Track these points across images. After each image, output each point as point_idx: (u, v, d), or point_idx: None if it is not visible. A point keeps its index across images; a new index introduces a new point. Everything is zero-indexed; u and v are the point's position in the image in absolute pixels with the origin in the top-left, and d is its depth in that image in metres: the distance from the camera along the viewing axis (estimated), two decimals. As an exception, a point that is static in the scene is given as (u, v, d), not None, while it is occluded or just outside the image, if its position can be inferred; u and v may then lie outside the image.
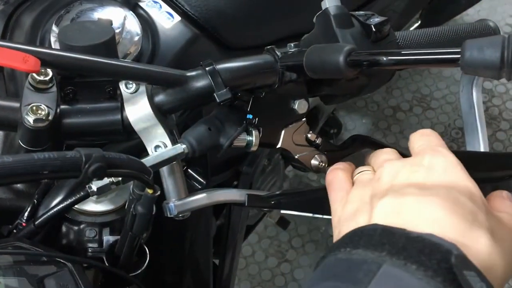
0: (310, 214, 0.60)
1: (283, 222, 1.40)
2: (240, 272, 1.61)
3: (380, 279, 0.32)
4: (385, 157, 0.47)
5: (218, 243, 0.89)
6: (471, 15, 1.96)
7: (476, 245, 0.36)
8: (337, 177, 0.48)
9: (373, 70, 0.53)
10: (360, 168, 0.49)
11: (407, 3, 1.16)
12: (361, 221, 0.40)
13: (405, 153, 0.49)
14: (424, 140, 0.45)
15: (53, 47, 0.65)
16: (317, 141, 0.63)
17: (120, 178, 0.51)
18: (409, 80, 1.92)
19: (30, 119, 0.51)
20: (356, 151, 0.61)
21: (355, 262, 0.34)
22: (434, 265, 0.32)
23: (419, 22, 1.34)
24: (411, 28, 1.36)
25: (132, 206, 0.51)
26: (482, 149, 0.69)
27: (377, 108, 1.85)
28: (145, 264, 0.58)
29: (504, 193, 0.44)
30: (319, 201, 0.56)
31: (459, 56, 0.40)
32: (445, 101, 1.87)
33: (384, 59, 0.46)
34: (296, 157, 0.63)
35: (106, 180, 0.51)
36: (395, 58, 0.45)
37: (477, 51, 0.39)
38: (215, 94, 0.54)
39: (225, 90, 0.54)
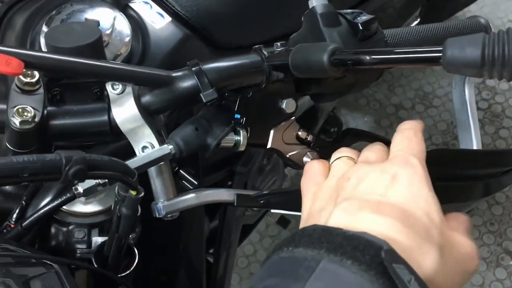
0: (300, 213, 0.60)
1: (284, 221, 1.39)
2: (242, 271, 1.61)
3: (319, 274, 0.35)
4: (364, 157, 0.48)
5: (213, 243, 0.89)
6: (473, 11, 1.94)
7: (424, 259, 0.38)
8: (311, 168, 0.49)
9: (359, 69, 0.52)
10: (338, 153, 0.50)
11: (405, 1, 1.16)
12: (323, 220, 0.42)
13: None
14: (403, 145, 0.45)
15: (43, 48, 0.65)
16: (308, 139, 0.62)
17: (106, 180, 0.51)
18: (411, 78, 1.90)
19: (16, 121, 0.51)
20: (349, 145, 0.60)
21: (297, 260, 0.36)
22: (368, 260, 0.35)
23: (418, 20, 1.33)
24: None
25: (117, 207, 0.51)
26: (475, 146, 0.68)
27: (379, 106, 1.84)
28: (134, 265, 0.58)
29: (462, 217, 0.46)
30: None
31: (440, 54, 0.40)
32: (448, 98, 1.86)
33: (367, 58, 0.45)
34: (288, 155, 0.62)
35: (92, 182, 0.51)
36: (378, 57, 0.45)
37: (458, 50, 0.39)
38: (201, 94, 0.54)
39: (211, 90, 0.54)
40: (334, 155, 0.50)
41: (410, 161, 0.43)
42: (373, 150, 0.48)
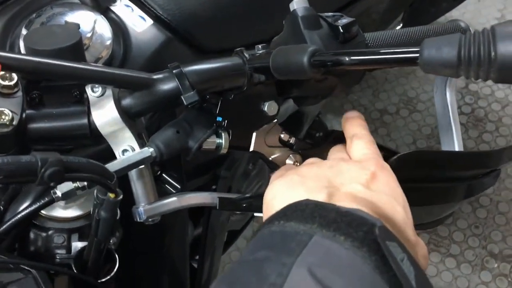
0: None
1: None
2: (228, 277, 1.60)
3: (311, 249, 0.34)
4: (338, 156, 0.51)
5: (198, 248, 0.89)
6: (455, 17, 1.97)
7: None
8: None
9: (340, 71, 0.52)
10: (310, 159, 0.52)
11: (388, 6, 1.17)
12: (297, 197, 0.42)
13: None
14: (370, 150, 0.48)
15: (22, 51, 0.64)
16: (291, 141, 0.62)
17: (85, 183, 0.50)
18: (396, 83, 1.92)
19: (-7, 124, 0.50)
20: (330, 147, 0.60)
21: (288, 234, 0.36)
22: (361, 237, 0.35)
23: (401, 25, 1.35)
24: (393, 31, 1.36)
25: (96, 211, 0.51)
26: (456, 148, 0.69)
27: (364, 111, 1.85)
28: (115, 270, 0.57)
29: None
30: None
31: (417, 55, 0.40)
32: (431, 103, 1.88)
33: (347, 59, 0.45)
34: (270, 158, 0.62)
35: (71, 185, 0.51)
36: (357, 58, 0.45)
37: (435, 50, 0.39)
38: (182, 97, 0.54)
39: (192, 92, 0.54)
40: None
41: (384, 166, 0.46)
42: (343, 151, 0.51)
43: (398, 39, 0.59)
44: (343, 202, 0.40)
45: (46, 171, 0.39)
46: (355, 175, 0.44)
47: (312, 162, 0.51)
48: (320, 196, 0.41)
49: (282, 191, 0.45)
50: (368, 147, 0.49)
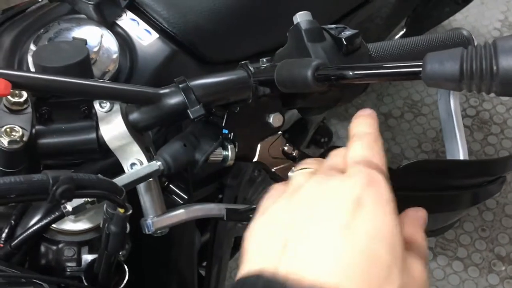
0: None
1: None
2: (235, 283, 1.61)
3: None
4: (328, 166, 0.41)
5: (205, 256, 0.89)
6: (458, 20, 1.97)
7: None
8: (272, 190, 0.41)
9: (343, 84, 0.53)
10: (303, 165, 0.43)
11: (391, 11, 1.17)
12: (271, 262, 0.35)
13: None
14: (364, 154, 0.40)
15: (31, 67, 0.65)
16: (294, 154, 0.63)
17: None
18: (400, 87, 1.93)
19: (4, 141, 0.51)
20: None
21: None
22: None
23: (404, 30, 1.35)
24: (397, 36, 1.36)
25: (106, 225, 0.51)
26: (461, 156, 0.69)
27: (368, 115, 1.85)
28: (124, 282, 0.58)
29: (420, 213, 0.41)
30: None
31: (420, 69, 0.41)
32: (436, 106, 1.88)
33: (350, 73, 0.46)
34: (273, 170, 0.63)
35: (81, 200, 0.52)
36: (361, 72, 0.46)
37: (437, 64, 0.40)
38: (188, 111, 0.55)
39: (198, 106, 0.55)
40: (295, 168, 0.43)
41: (374, 179, 0.37)
42: (339, 156, 0.42)
43: (401, 49, 0.60)
44: (303, 271, 0.33)
45: (57, 189, 0.40)
46: (334, 208, 0.35)
47: (296, 183, 0.40)
48: (273, 262, 0.34)
49: (252, 237, 0.38)
50: (364, 151, 0.40)
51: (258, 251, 0.36)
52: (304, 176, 0.40)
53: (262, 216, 0.38)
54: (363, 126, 0.43)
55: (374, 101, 1.88)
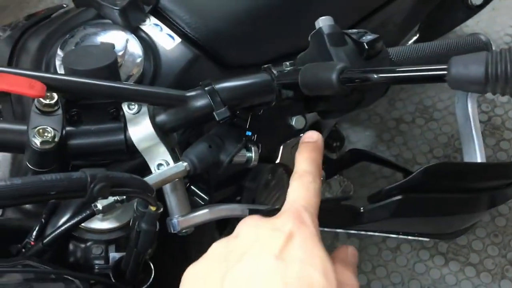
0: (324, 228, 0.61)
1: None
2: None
3: None
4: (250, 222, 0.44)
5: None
6: (470, 26, 1.98)
7: None
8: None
9: (366, 86, 0.54)
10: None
11: (405, 17, 1.19)
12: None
13: None
14: (298, 195, 0.44)
15: (58, 71, 0.67)
16: None
17: (124, 196, 0.53)
18: (412, 92, 1.93)
19: (37, 141, 0.53)
20: (353, 164, 0.62)
21: None
22: None
23: (418, 35, 1.36)
24: (410, 42, 1.37)
25: (136, 223, 0.53)
26: (479, 159, 0.70)
27: (380, 120, 1.86)
28: (150, 280, 0.59)
29: (350, 251, 0.44)
30: (320, 213, 0.57)
31: (446, 72, 0.42)
32: (448, 112, 1.89)
33: (375, 76, 0.47)
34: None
35: (111, 199, 0.53)
36: (386, 76, 0.47)
37: (462, 67, 0.41)
38: (214, 113, 0.56)
39: (224, 108, 0.56)
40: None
41: (303, 219, 0.41)
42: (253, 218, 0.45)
43: (421, 54, 0.61)
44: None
45: (95, 186, 0.41)
46: (267, 241, 0.39)
47: (235, 232, 0.44)
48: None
49: (191, 277, 0.42)
50: (300, 192, 0.44)
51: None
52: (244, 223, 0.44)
53: (200, 260, 0.42)
54: (305, 164, 0.47)
55: (386, 106, 1.89)
